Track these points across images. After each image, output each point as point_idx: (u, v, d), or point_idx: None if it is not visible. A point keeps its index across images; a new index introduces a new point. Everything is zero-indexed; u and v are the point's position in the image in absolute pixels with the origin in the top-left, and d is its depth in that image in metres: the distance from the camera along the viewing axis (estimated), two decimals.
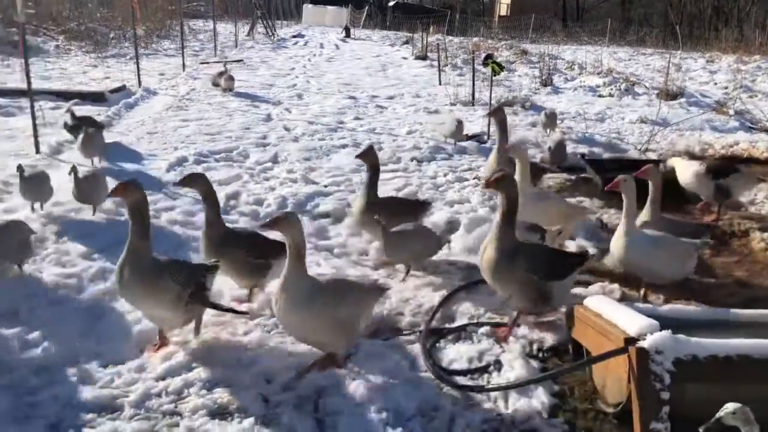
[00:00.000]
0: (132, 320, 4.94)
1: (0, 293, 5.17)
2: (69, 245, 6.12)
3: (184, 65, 18.50)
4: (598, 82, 18.33)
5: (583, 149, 10.50)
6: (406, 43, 31.75)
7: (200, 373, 4.37)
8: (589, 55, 24.73)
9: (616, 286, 5.72)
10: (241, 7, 34.36)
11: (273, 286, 5.03)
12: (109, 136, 10.12)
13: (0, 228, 5.41)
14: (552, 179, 8.98)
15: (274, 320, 4.94)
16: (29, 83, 9.22)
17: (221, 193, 7.74)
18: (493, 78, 11.78)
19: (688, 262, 5.50)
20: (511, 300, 4.98)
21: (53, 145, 9.30)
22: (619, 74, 19.89)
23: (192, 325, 4.74)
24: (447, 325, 5.09)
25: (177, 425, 3.88)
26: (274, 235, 4.81)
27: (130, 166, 8.80)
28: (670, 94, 15.94)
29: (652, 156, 10.27)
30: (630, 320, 3.94)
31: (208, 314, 4.91)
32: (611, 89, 17.18)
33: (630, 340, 3.77)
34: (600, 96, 16.78)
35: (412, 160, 9.71)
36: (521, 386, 4.21)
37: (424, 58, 24.70)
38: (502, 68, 12.16)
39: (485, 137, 10.95)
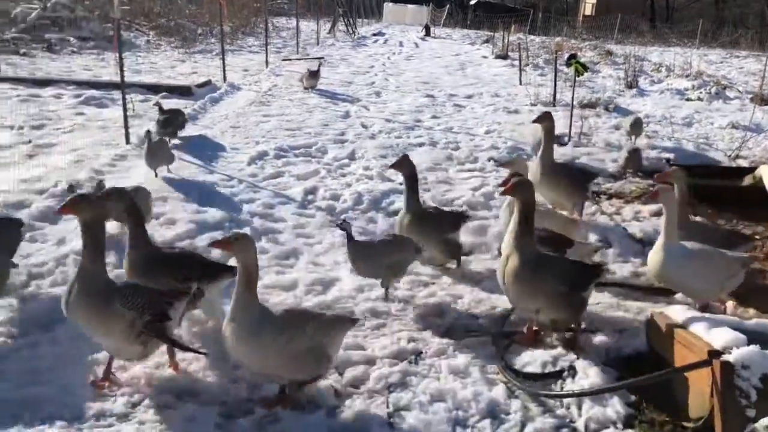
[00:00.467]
0: None
1: None
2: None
3: (267, 62, 18.93)
4: (686, 84, 17.65)
5: (669, 154, 10.13)
6: (487, 41, 31.47)
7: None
8: (677, 57, 23.82)
9: None
10: (324, 5, 34.86)
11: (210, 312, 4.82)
12: (194, 129, 10.52)
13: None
14: (634, 184, 8.74)
15: None
16: (122, 77, 9.65)
17: (299, 188, 7.93)
18: (576, 79, 11.51)
19: (732, 278, 5.01)
20: (539, 315, 4.76)
21: (142, 136, 9.69)
22: (709, 77, 19.10)
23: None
24: (521, 328, 5.02)
25: None
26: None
27: (213, 159, 9.07)
28: (765, 99, 15.17)
29: (743, 163, 9.81)
30: (715, 332, 3.79)
31: None
32: (700, 92, 16.50)
33: (714, 353, 3.62)
34: (688, 99, 16.16)
35: (489, 159, 9.62)
36: (596, 394, 4.10)
37: (504, 57, 24.41)
38: (586, 69, 11.87)
39: (566, 139, 10.73)
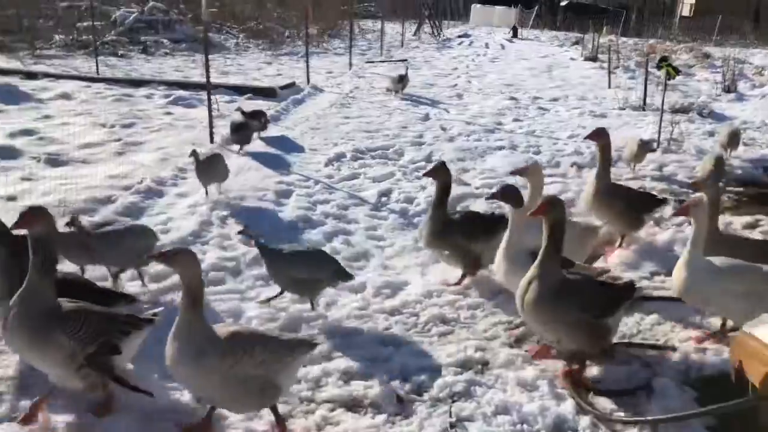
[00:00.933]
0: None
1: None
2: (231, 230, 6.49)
3: (350, 64, 19.10)
4: None
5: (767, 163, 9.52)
6: (576, 43, 30.67)
7: None
8: None
9: None
10: (410, 8, 34.93)
11: None
12: (276, 130, 10.71)
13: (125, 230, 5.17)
14: (727, 194, 8.26)
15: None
16: (208, 78, 9.93)
17: (374, 190, 7.91)
18: (668, 82, 11.00)
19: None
20: (560, 344, 4.42)
21: (226, 136, 9.95)
22: None
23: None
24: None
25: None
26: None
27: (292, 159, 9.19)
28: None
29: None
30: None
31: None
32: None
33: None
34: None
35: (572, 165, 9.31)
36: (675, 421, 3.81)
37: (593, 59, 23.69)
38: (677, 72, 11.33)
39: (654, 144, 10.26)
